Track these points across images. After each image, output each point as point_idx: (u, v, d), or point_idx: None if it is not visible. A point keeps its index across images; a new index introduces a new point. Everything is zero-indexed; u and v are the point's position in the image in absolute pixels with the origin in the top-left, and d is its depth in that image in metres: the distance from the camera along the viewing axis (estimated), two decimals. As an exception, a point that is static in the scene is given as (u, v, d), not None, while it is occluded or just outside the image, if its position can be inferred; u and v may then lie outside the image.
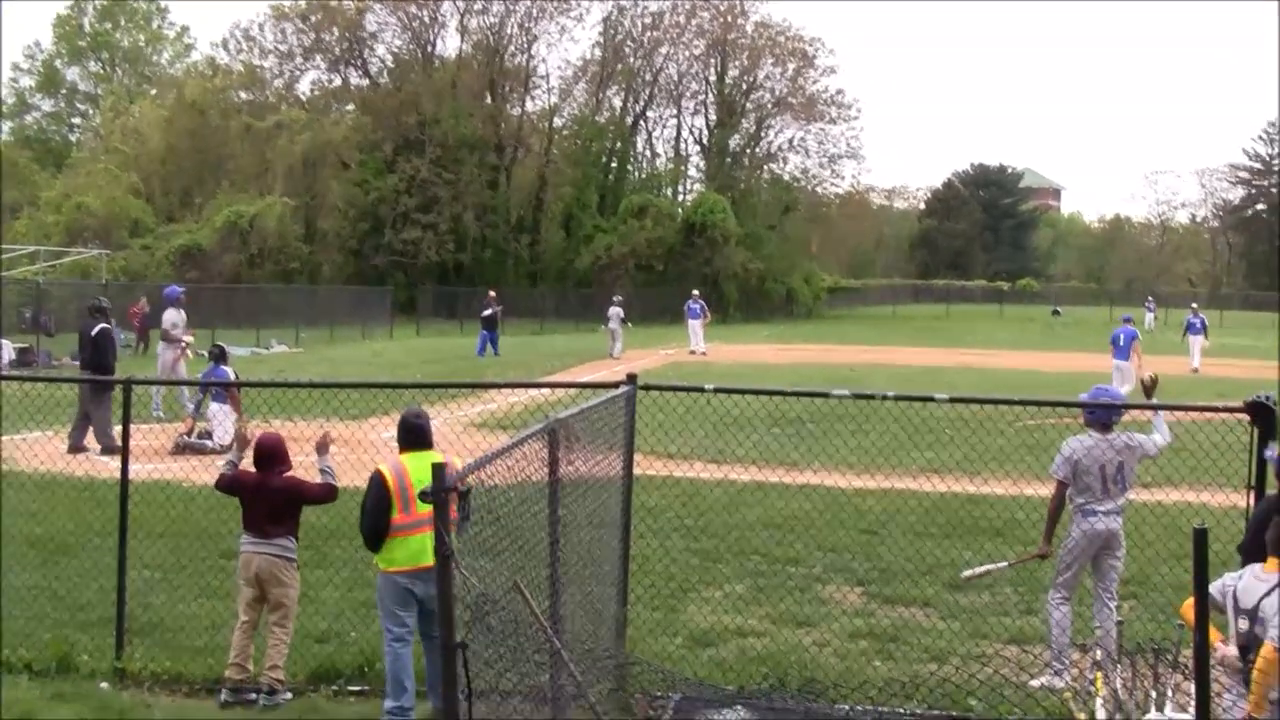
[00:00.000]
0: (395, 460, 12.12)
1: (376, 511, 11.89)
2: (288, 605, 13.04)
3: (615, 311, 61.47)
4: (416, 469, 11.68)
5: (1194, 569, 7.82)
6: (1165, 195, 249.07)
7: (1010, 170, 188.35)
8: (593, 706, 9.94)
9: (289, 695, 12.88)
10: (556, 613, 10.13)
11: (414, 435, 12.10)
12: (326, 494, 13.18)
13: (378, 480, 11.93)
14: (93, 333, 28.31)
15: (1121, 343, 43.58)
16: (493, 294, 62.27)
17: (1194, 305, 66.43)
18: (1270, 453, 11.67)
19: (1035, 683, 13.44)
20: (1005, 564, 14.74)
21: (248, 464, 13.32)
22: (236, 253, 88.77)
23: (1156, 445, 13.96)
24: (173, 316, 33.79)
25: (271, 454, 13.19)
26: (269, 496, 12.97)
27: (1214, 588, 9.11)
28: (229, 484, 13.27)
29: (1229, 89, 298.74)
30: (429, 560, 11.15)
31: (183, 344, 33.50)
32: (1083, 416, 14.40)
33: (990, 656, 14.24)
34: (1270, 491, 11.67)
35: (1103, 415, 13.93)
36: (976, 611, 15.56)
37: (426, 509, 11.03)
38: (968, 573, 14.69)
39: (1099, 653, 12.67)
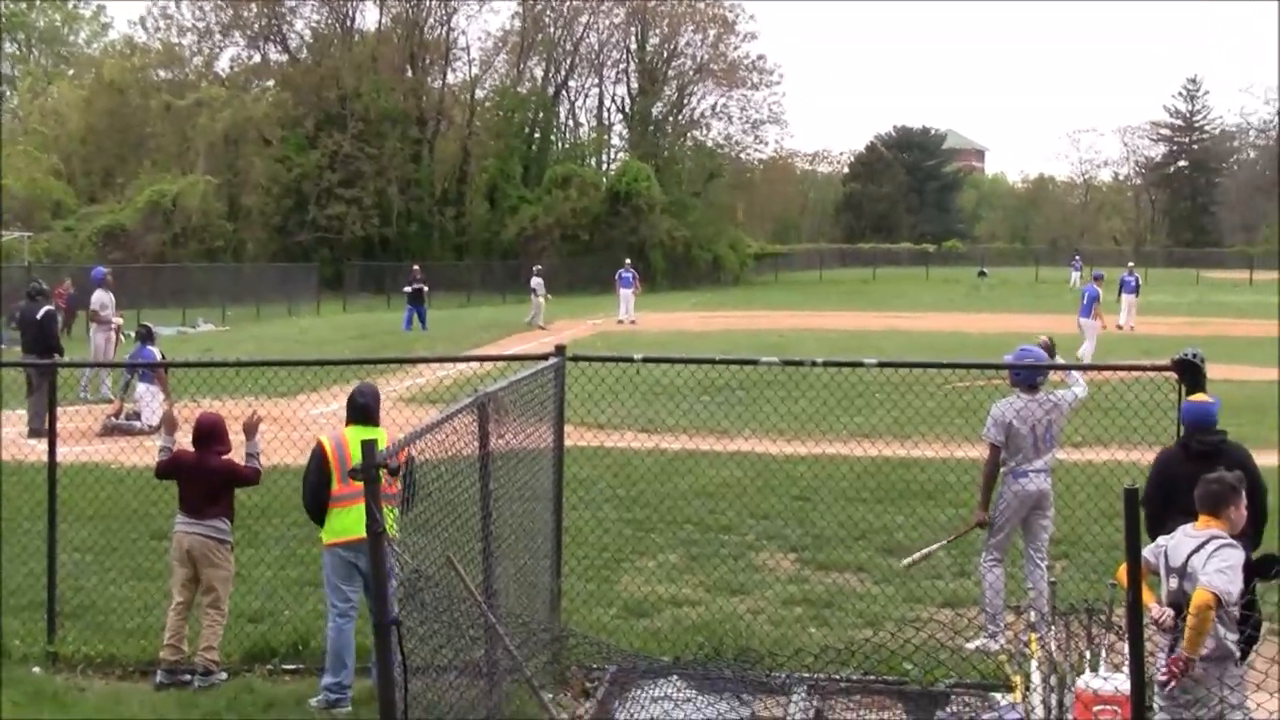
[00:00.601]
0: (337, 432, 12.22)
1: (316, 483, 12.03)
2: (220, 588, 12.98)
3: (537, 282, 61.44)
4: (357, 443, 11.67)
5: (1125, 528, 7.86)
6: (1088, 154, 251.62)
7: (933, 132, 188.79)
8: (529, 680, 9.93)
9: (224, 676, 12.83)
10: (490, 587, 10.11)
11: (358, 410, 12.22)
12: (253, 478, 13.16)
13: (318, 452, 12.08)
14: (38, 315, 28.20)
15: (1085, 300, 43.98)
16: (417, 268, 61.99)
17: (1130, 265, 66.83)
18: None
19: (970, 645, 13.51)
20: (943, 542, 14.78)
21: (185, 445, 13.25)
22: (160, 232, 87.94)
23: (1076, 398, 14.10)
24: (101, 298, 33.53)
25: (210, 433, 13.14)
26: (206, 477, 12.92)
27: (1147, 551, 9.18)
28: (169, 467, 13.20)
29: (1149, 47, 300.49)
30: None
31: (113, 325, 33.24)
32: (1009, 378, 14.48)
33: (925, 621, 14.28)
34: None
35: (1029, 376, 14.02)
36: (910, 576, 15.60)
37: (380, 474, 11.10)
38: (907, 561, 14.73)
39: (1033, 614, 12.74)
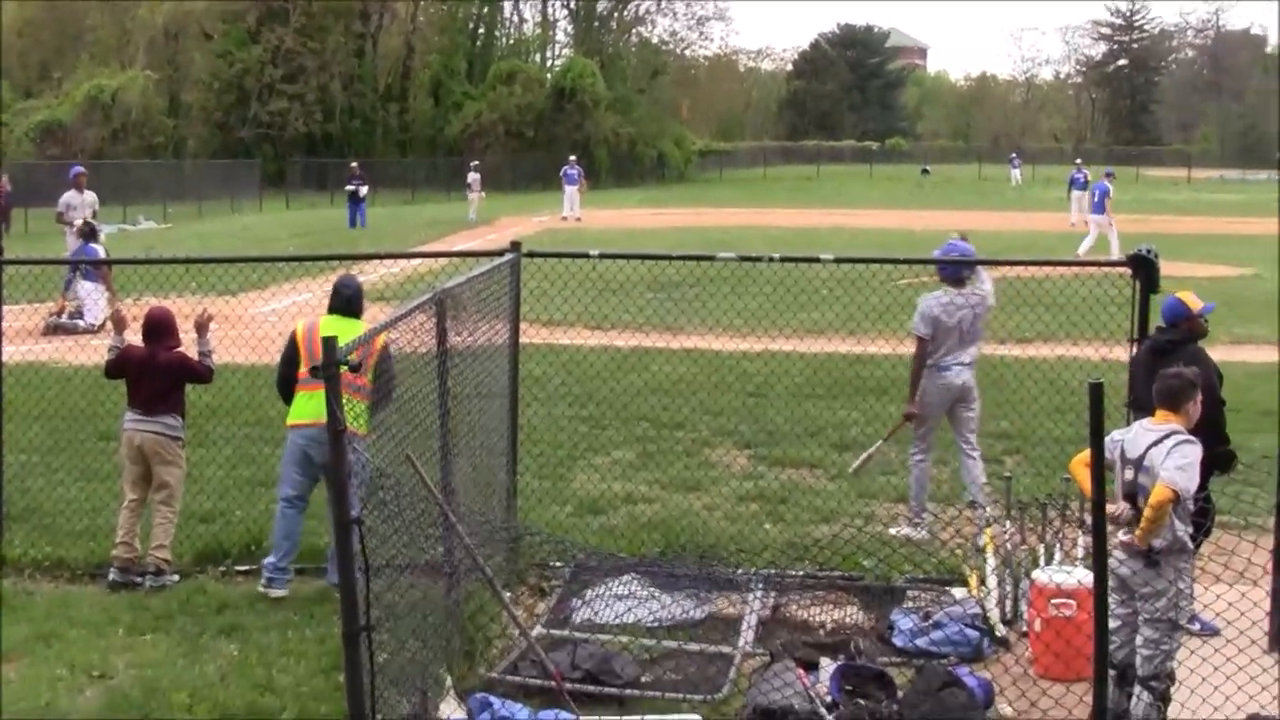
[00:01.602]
0: (314, 318, 12.25)
1: (283, 363, 12.21)
2: (173, 484, 12.83)
3: (473, 178, 61.29)
4: (331, 329, 11.67)
5: (1091, 422, 7.83)
6: (1030, 53, 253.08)
7: (876, 30, 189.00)
8: (489, 578, 9.88)
9: (175, 577, 12.69)
10: (448, 485, 10.04)
11: (340, 300, 12.31)
12: (205, 375, 12.99)
13: (291, 335, 12.24)
14: None
15: (1096, 197, 44.00)
16: (355, 165, 61.62)
17: (1078, 161, 66.89)
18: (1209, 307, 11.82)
19: (893, 531, 13.65)
20: (881, 442, 14.82)
21: (135, 343, 13.10)
22: (99, 128, 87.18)
23: (989, 292, 14.23)
24: (67, 199, 32.75)
25: (159, 327, 12.97)
26: (157, 372, 12.74)
27: (1105, 445, 9.19)
28: (118, 364, 13.03)
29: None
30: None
31: (74, 227, 32.32)
32: (938, 273, 14.51)
33: (879, 515, 14.34)
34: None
35: (954, 271, 14.09)
36: (864, 472, 15.60)
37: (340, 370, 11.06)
38: (854, 466, 14.79)
39: (988, 509, 12.81)
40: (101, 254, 26.71)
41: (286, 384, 12.17)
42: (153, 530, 12.72)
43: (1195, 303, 11.70)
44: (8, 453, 14.18)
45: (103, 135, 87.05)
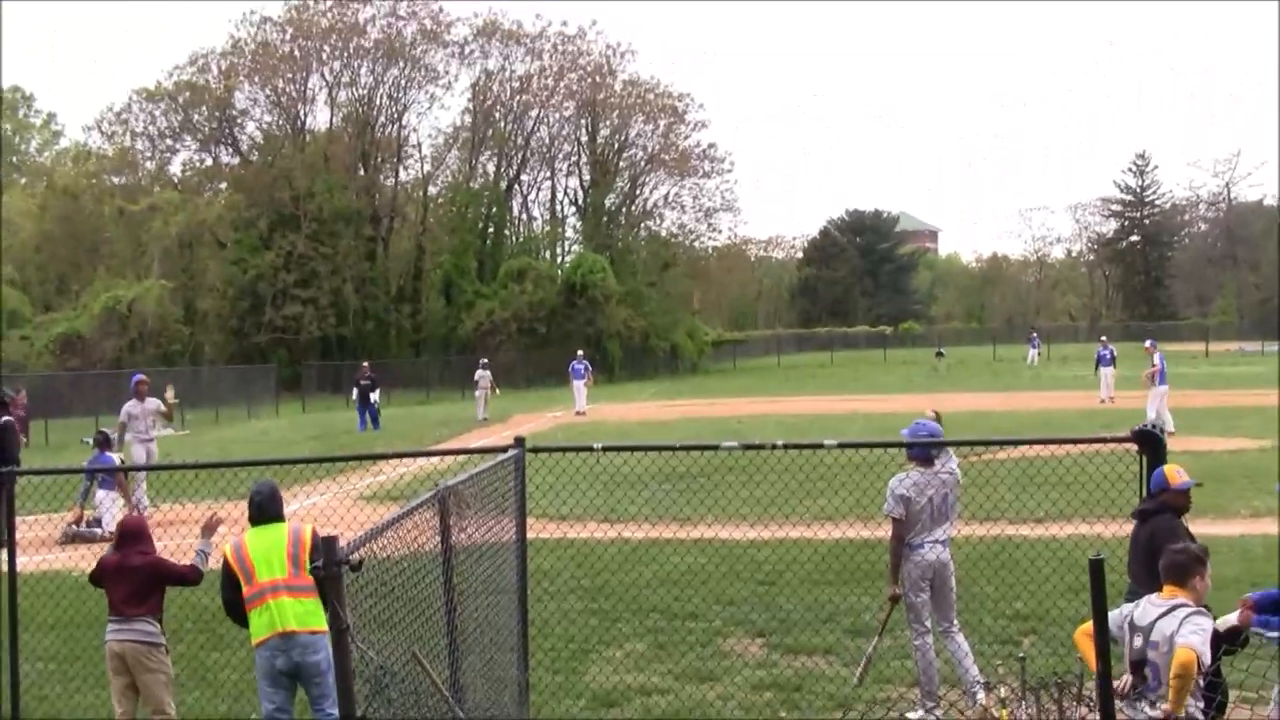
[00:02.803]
0: (237, 537, 12.18)
1: (224, 588, 12.10)
2: (158, 693, 12.78)
3: (481, 374, 61.54)
4: (255, 542, 11.89)
5: (1092, 598, 7.86)
6: (1040, 231, 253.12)
7: (886, 214, 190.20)
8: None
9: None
10: (457, 681, 10.05)
11: (256, 508, 12.29)
12: (190, 575, 13.04)
13: (223, 559, 12.14)
14: None
15: (1160, 367, 43.76)
16: (366, 366, 61.77)
17: (1103, 338, 67.07)
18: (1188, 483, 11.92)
19: (909, 716, 13.60)
20: (876, 639, 14.76)
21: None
22: (117, 338, 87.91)
23: (956, 469, 14.31)
24: (128, 408, 32.39)
25: (131, 533, 13.12)
26: (128, 576, 12.78)
27: (1111, 620, 9.21)
28: (95, 575, 13.13)
29: (1097, 123, 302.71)
30: (281, 626, 11.24)
31: (129, 437, 31.93)
32: (906, 453, 14.58)
33: (895, 700, 14.27)
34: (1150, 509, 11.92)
35: (922, 451, 14.16)
36: (880, 656, 15.56)
37: (268, 577, 11.19)
38: (857, 675, 14.71)
39: (1003, 689, 12.76)
40: (116, 462, 26.84)
41: (234, 608, 12.07)
42: None
43: (1175, 477, 11.81)
44: (24, 661, 14.23)
45: (120, 345, 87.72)
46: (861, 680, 14.59)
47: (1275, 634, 10.37)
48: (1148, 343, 47.26)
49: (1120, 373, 59.00)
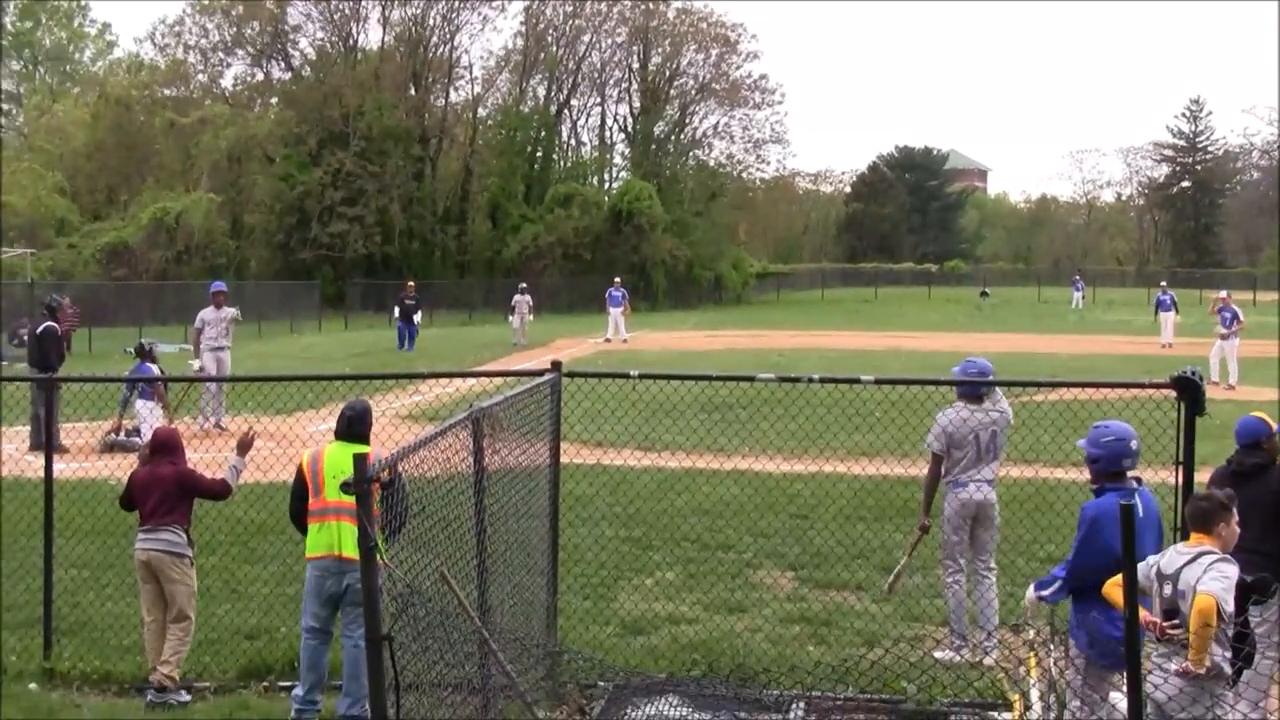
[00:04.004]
0: (318, 448, 12.21)
1: (293, 495, 12.22)
2: (181, 602, 12.89)
3: (517, 299, 61.42)
4: (334, 457, 11.82)
5: (1122, 544, 7.81)
6: (1091, 174, 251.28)
7: (936, 152, 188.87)
8: (523, 696, 9.90)
9: (186, 696, 12.76)
10: (485, 603, 10.08)
11: (344, 424, 12.23)
12: (219, 489, 13.12)
13: (298, 466, 12.21)
14: (38, 331, 28.24)
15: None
16: (411, 285, 61.73)
17: (1163, 284, 66.87)
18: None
19: (937, 654, 13.64)
20: (904, 559, 14.74)
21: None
22: (164, 249, 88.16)
23: (1008, 410, 14.26)
24: (204, 315, 32.48)
25: (161, 445, 13.19)
26: (157, 485, 12.88)
27: (1140, 570, 9.17)
28: (127, 494, 13.22)
29: (1152, 68, 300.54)
30: (339, 550, 11.25)
31: (209, 347, 32.20)
32: (955, 390, 14.52)
33: (923, 639, 14.29)
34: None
35: (973, 389, 14.10)
36: (909, 594, 15.59)
37: (335, 498, 11.17)
38: (887, 584, 14.73)
39: (1032, 633, 12.74)
40: (156, 373, 26.91)
41: (298, 517, 12.21)
42: (162, 647, 12.78)
43: (1271, 423, 11.85)
44: (59, 568, 14.34)
45: (166, 256, 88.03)
46: (892, 589, 14.63)
47: (1048, 593, 10.45)
48: (1223, 293, 46.75)
49: (1179, 319, 58.77)
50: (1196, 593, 8.78)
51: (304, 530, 12.12)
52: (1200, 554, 9.06)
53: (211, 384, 29.79)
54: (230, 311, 32.69)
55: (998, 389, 14.48)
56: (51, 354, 27.94)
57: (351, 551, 11.50)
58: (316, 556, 11.85)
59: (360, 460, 7.34)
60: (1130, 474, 10.47)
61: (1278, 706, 11.65)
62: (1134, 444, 10.46)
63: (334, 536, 11.66)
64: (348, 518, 11.52)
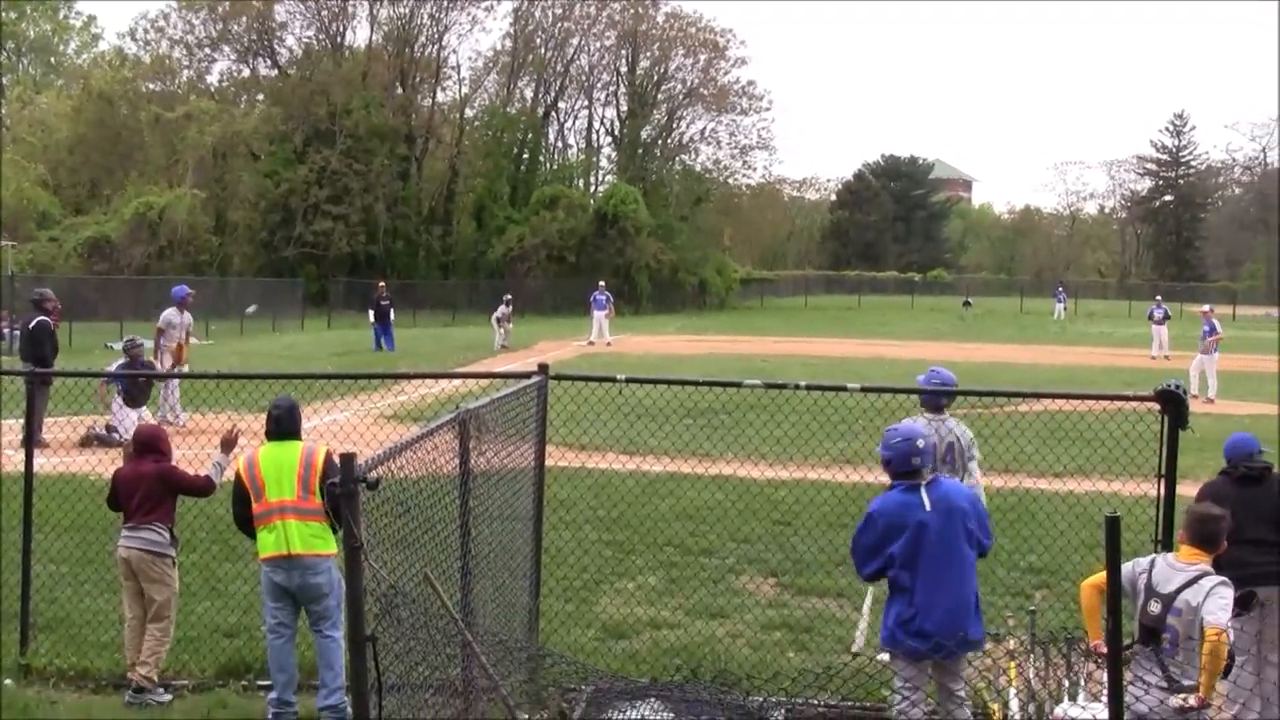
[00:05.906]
0: (252, 452, 12.19)
1: (235, 501, 12.13)
2: (160, 602, 12.81)
3: (504, 310, 61.29)
4: (270, 458, 11.84)
5: (1107, 555, 7.81)
6: (1074, 186, 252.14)
7: (921, 161, 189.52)
8: (505, 699, 9.87)
9: (167, 696, 12.70)
10: (468, 604, 10.05)
11: (274, 423, 12.21)
12: (202, 485, 13.05)
13: (235, 473, 12.15)
14: (30, 325, 28.21)
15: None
16: (383, 285, 61.61)
17: (1158, 297, 67.29)
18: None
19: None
20: (868, 602, 14.63)
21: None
22: (145, 245, 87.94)
23: (965, 434, 14.13)
24: (168, 316, 32.53)
25: (145, 443, 13.12)
26: (140, 482, 12.83)
27: (1125, 570, 9.18)
28: (112, 493, 13.15)
29: (1136, 81, 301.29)
30: (289, 549, 11.24)
31: (169, 346, 32.09)
32: (920, 400, 14.47)
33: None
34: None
35: (933, 398, 14.05)
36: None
37: (277, 498, 11.19)
38: (855, 648, 14.52)
39: (1012, 642, 12.75)
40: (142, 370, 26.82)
41: (244, 523, 12.10)
42: (141, 647, 12.72)
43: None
44: (37, 563, 14.25)
45: (149, 252, 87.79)
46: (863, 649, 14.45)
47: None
48: (1206, 308, 46.84)
49: (1126, 332, 59.04)
50: (1205, 623, 8.81)
51: (251, 535, 12.05)
52: (1201, 575, 9.08)
53: (173, 381, 29.69)
54: (189, 317, 32.86)
55: (950, 417, 14.40)
56: (47, 348, 27.82)
57: (300, 548, 11.53)
58: (268, 558, 11.80)
59: (348, 460, 7.30)
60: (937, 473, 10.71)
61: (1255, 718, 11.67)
62: (921, 443, 10.65)
63: (280, 535, 11.63)
64: (293, 515, 11.59)
